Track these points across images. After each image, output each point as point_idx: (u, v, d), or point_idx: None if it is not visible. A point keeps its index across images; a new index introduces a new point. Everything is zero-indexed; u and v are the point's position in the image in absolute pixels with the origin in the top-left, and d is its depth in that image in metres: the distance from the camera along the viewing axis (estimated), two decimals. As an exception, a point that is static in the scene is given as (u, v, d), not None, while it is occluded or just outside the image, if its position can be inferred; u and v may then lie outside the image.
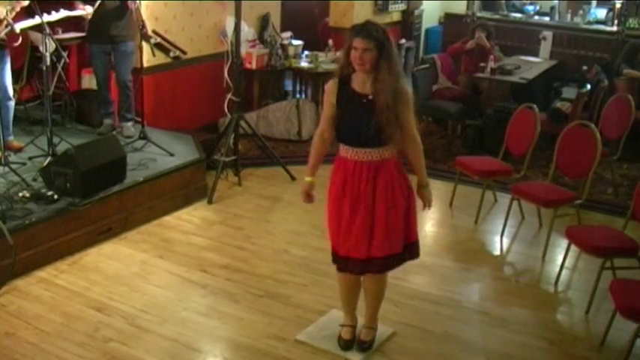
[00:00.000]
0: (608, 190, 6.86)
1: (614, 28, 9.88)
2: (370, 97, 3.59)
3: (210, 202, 6.18)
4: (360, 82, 3.64)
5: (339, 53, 8.36)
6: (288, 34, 8.88)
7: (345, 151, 3.72)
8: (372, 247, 3.71)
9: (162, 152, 6.24)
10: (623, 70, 8.24)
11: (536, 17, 10.92)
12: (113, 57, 6.48)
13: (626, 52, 8.50)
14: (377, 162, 3.66)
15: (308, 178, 3.87)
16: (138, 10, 6.18)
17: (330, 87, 3.72)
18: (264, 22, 8.57)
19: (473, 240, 5.84)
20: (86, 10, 6.05)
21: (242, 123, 6.74)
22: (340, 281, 4.00)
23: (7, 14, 5.42)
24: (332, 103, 3.69)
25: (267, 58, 8.24)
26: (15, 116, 6.06)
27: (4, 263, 4.55)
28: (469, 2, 11.16)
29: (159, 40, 6.68)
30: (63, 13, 5.69)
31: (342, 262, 3.82)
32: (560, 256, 5.20)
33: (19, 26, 5.52)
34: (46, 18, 5.45)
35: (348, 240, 3.73)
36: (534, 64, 9.26)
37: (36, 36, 5.79)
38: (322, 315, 4.39)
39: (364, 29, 3.55)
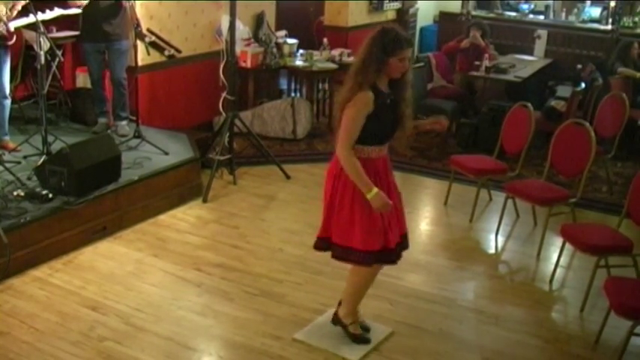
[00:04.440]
0: (602, 188, 6.88)
1: (609, 27, 9.90)
2: (392, 96, 3.74)
3: (205, 200, 6.17)
4: (383, 84, 3.72)
5: (335, 52, 8.46)
6: (283, 32, 8.87)
7: (370, 151, 3.76)
8: (393, 234, 3.89)
9: (157, 151, 6.23)
10: (617, 68, 8.26)
11: (531, 16, 10.95)
12: (107, 56, 6.47)
13: (619, 51, 8.53)
14: (387, 153, 3.90)
15: (373, 191, 3.64)
16: (132, 8, 6.17)
17: (368, 99, 3.62)
18: (259, 20, 8.57)
19: (468, 238, 5.85)
20: None
21: (237, 122, 6.73)
22: (371, 275, 4.02)
23: (6, 12, 5.42)
24: (366, 113, 3.64)
25: (262, 57, 8.23)
26: (10, 115, 6.05)
27: (-1, 262, 4.55)
28: (464, 1, 11.18)
29: (153, 38, 6.68)
30: (57, 12, 5.68)
31: (381, 255, 3.86)
32: (555, 254, 5.22)
33: (13, 25, 5.52)
34: (41, 16, 5.44)
35: (384, 232, 3.82)
36: (529, 63, 9.28)
37: (30, 35, 5.79)
38: (317, 313, 4.39)
39: (409, 39, 3.75)
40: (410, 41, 3.74)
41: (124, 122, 6.69)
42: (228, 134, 6.63)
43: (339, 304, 4.19)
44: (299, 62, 8.45)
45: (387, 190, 3.82)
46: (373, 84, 3.65)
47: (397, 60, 3.63)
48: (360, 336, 4.12)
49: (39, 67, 5.50)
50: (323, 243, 3.98)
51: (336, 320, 4.19)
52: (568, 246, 4.98)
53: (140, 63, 6.45)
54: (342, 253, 3.87)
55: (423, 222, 6.13)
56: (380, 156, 3.82)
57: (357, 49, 3.77)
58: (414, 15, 11.73)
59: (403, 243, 4.02)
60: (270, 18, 8.82)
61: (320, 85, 8.60)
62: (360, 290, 4.08)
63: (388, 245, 3.85)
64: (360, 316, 4.23)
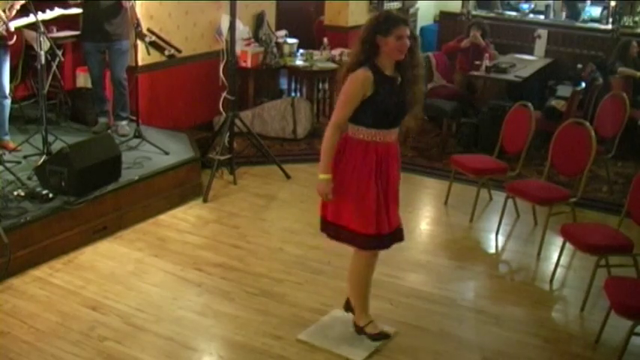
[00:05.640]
0: (603, 187, 6.88)
1: (609, 27, 9.90)
2: (399, 79, 3.76)
3: (205, 200, 6.17)
4: (388, 67, 3.73)
5: (335, 52, 8.45)
6: (283, 32, 8.88)
7: (374, 134, 3.76)
8: (389, 221, 3.88)
9: (157, 151, 6.23)
10: (617, 68, 8.25)
11: (531, 15, 10.94)
12: (108, 55, 6.47)
13: (618, 50, 8.53)
14: (396, 140, 3.90)
15: (326, 176, 3.72)
16: (133, 8, 6.17)
17: (366, 77, 3.64)
18: (259, 20, 8.56)
19: (468, 238, 5.85)
20: None
21: (237, 121, 6.73)
22: (370, 263, 4.01)
23: (5, 12, 5.42)
24: (364, 93, 3.65)
25: (262, 57, 8.23)
26: (10, 115, 6.05)
27: (-1, 262, 4.55)
28: (464, 1, 11.17)
29: (154, 38, 6.67)
30: (57, 12, 5.68)
31: (381, 239, 3.86)
32: (555, 254, 5.21)
33: (13, 24, 5.52)
34: (41, 16, 5.43)
35: (384, 216, 3.83)
36: (529, 63, 9.27)
37: (31, 34, 5.78)
38: (318, 313, 4.39)
39: (404, 18, 3.75)
40: (405, 20, 3.73)
41: (125, 122, 6.68)
42: (228, 134, 6.63)
43: (352, 312, 4.17)
44: (299, 62, 8.45)
45: (386, 180, 3.82)
46: (375, 66, 3.66)
47: (395, 38, 3.64)
48: (379, 334, 4.09)
49: (39, 66, 5.50)
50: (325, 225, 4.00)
51: (358, 330, 4.13)
52: (568, 246, 4.98)
53: (140, 63, 6.45)
54: (336, 232, 3.88)
55: (424, 222, 6.13)
56: (386, 141, 3.80)
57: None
58: (415, 15, 11.72)
59: (397, 234, 3.99)
60: (271, 18, 8.81)
61: (320, 85, 8.60)
62: (362, 281, 4.03)
63: (382, 231, 3.84)
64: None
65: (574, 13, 10.55)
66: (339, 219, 3.85)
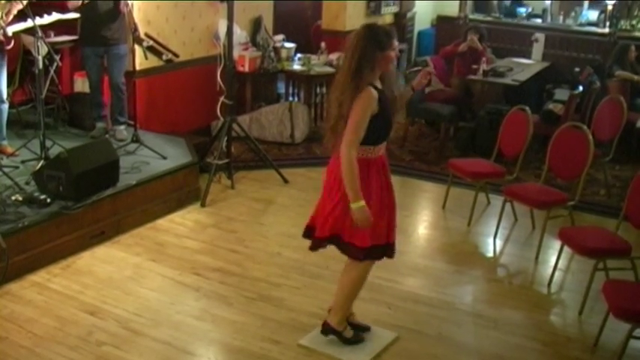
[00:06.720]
0: (600, 191, 6.88)
1: (606, 30, 9.92)
2: (386, 92, 3.78)
3: (203, 205, 6.17)
4: (377, 81, 3.75)
5: (332, 56, 8.46)
6: (280, 36, 8.89)
7: (378, 150, 3.80)
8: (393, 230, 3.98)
9: (155, 155, 6.23)
10: (615, 71, 8.27)
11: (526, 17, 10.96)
12: (106, 60, 6.47)
13: (615, 54, 8.55)
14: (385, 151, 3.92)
15: (360, 203, 3.61)
16: (130, 13, 6.18)
17: (374, 96, 3.63)
18: (256, 24, 8.57)
19: (466, 242, 5.85)
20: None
21: (235, 126, 6.73)
22: (367, 272, 4.02)
23: (3, 17, 5.42)
24: (372, 112, 3.65)
25: (260, 61, 8.24)
26: (7, 120, 6.05)
27: (-3, 267, 4.54)
28: (461, 4, 11.19)
29: (151, 43, 6.67)
30: (55, 16, 5.69)
31: (389, 249, 3.94)
32: (553, 257, 5.22)
33: (11, 29, 5.52)
34: (39, 21, 5.44)
35: (390, 228, 3.92)
36: (526, 66, 9.28)
37: (28, 39, 5.79)
38: (316, 317, 4.37)
39: (394, 31, 3.78)
40: (394, 33, 3.79)
41: (122, 127, 6.69)
42: (226, 138, 6.63)
43: (329, 311, 4.17)
44: (297, 66, 8.45)
45: (387, 189, 3.85)
46: (371, 83, 3.66)
47: (392, 51, 3.68)
48: (355, 338, 4.12)
49: (37, 71, 5.50)
50: (309, 232, 4.07)
51: (327, 330, 4.12)
52: (566, 249, 4.98)
53: (138, 67, 6.45)
54: (356, 253, 3.86)
55: (421, 226, 6.13)
56: (383, 152, 3.85)
57: (346, 53, 3.72)
58: (412, 18, 11.75)
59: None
60: (268, 22, 8.82)
61: (318, 89, 8.60)
62: (356, 289, 4.05)
63: (390, 240, 3.90)
64: (355, 317, 4.24)
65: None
66: (351, 238, 3.81)
